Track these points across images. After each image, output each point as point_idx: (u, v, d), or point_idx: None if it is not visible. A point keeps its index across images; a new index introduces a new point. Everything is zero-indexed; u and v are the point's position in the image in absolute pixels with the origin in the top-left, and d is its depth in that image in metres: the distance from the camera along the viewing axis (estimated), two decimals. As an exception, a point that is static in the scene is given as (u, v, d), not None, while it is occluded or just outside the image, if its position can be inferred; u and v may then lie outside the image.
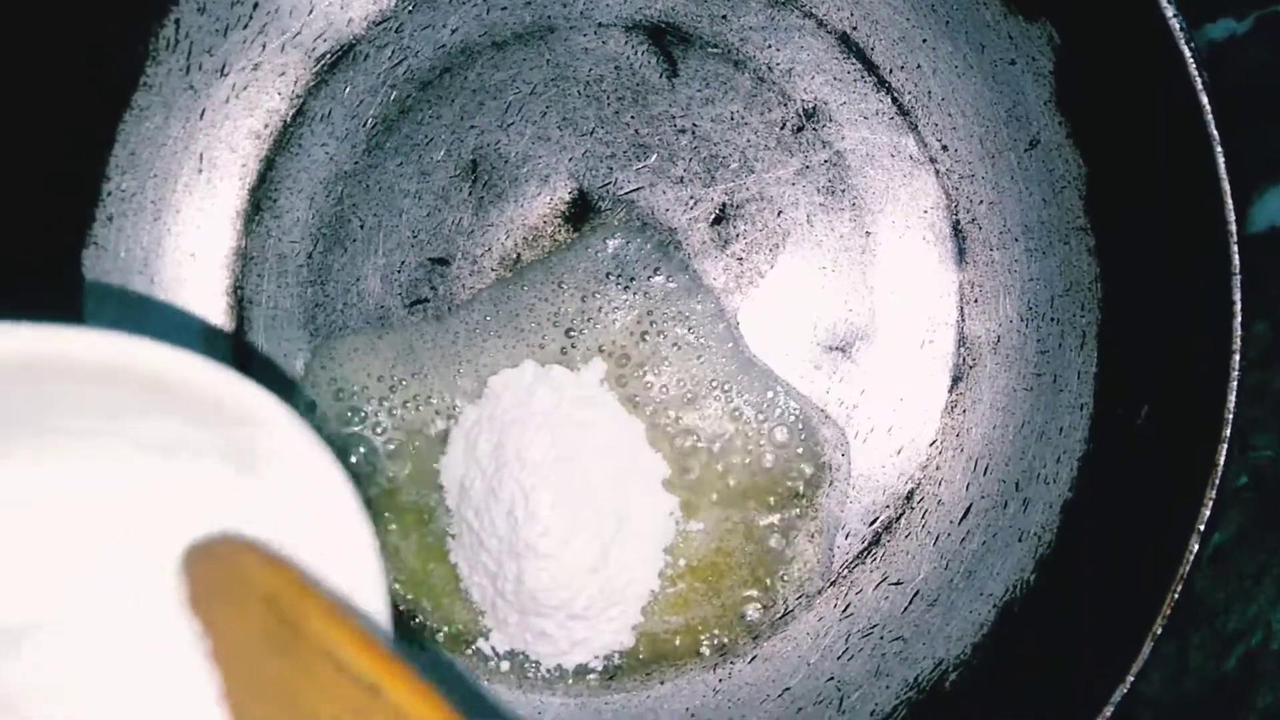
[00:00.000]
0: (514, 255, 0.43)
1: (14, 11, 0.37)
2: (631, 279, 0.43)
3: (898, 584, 0.43)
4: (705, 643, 0.43)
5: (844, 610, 0.43)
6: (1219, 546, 0.50)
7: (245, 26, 0.42)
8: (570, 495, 0.41)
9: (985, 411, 0.43)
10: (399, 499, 0.43)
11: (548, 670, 0.43)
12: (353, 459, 0.43)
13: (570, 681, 0.43)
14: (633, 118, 0.43)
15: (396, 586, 0.43)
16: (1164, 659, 0.48)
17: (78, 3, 0.38)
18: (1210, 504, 0.35)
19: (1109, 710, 0.35)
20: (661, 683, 0.43)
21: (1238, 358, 0.35)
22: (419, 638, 0.43)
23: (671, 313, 0.43)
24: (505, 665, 0.43)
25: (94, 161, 0.41)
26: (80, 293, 0.42)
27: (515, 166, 0.43)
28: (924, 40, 0.42)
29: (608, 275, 0.43)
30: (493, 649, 0.43)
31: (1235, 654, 0.50)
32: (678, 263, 0.43)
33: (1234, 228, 0.34)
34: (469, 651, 0.43)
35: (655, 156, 0.43)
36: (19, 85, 0.38)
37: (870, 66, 0.43)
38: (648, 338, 0.43)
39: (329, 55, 0.43)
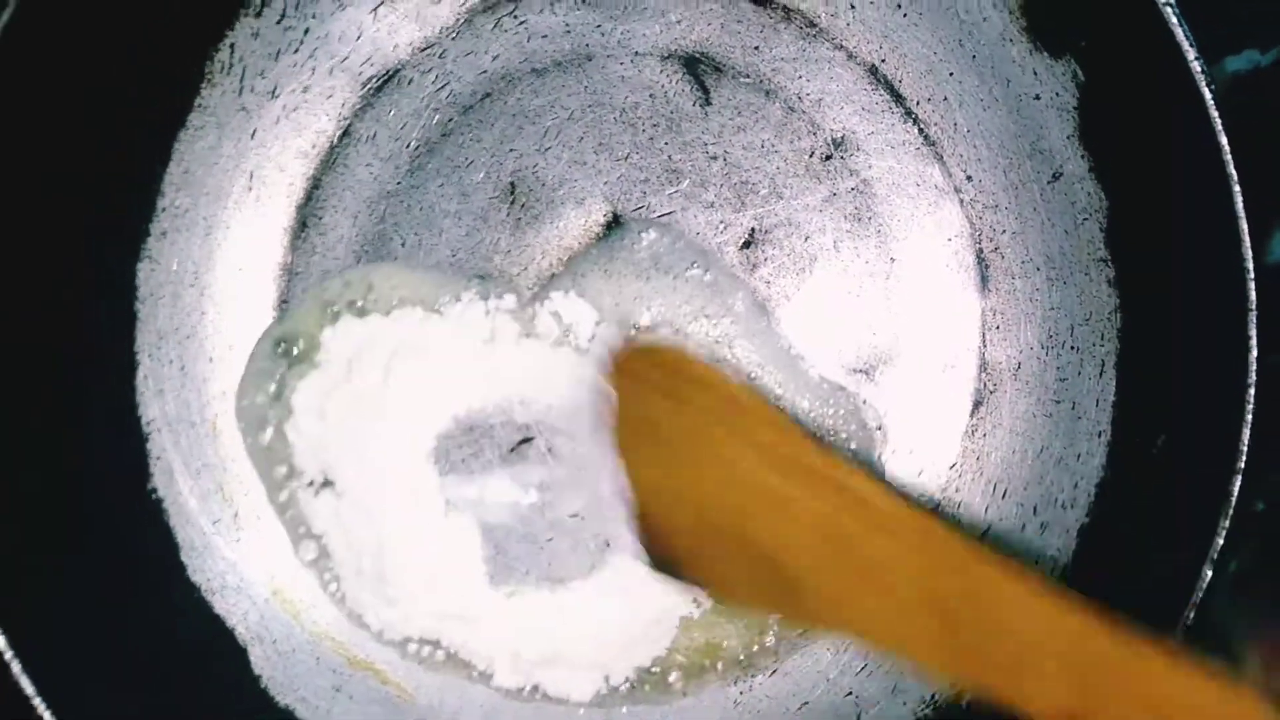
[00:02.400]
0: (549, 275, 0.44)
1: (79, 35, 0.38)
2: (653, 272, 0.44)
3: (916, 602, 0.44)
4: (727, 658, 0.44)
5: (863, 627, 0.44)
6: (1236, 574, 0.50)
7: (296, 51, 0.44)
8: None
9: (1005, 436, 0.44)
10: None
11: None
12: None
13: (593, 694, 0.44)
14: (666, 144, 0.44)
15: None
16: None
17: (138, 27, 0.40)
18: (1224, 532, 0.36)
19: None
20: (684, 695, 0.44)
21: (1253, 390, 0.36)
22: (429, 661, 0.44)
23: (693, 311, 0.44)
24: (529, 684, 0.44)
25: (149, 179, 0.43)
26: (133, 303, 0.43)
27: (552, 189, 0.44)
28: (951, 74, 0.43)
29: (638, 273, 0.44)
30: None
31: (1252, 680, 0.50)
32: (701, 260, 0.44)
33: (1250, 265, 0.35)
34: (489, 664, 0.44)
35: (687, 182, 0.44)
36: (82, 105, 0.40)
37: (898, 98, 0.44)
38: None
39: (375, 79, 0.45)
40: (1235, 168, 0.36)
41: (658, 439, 0.40)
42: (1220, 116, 0.36)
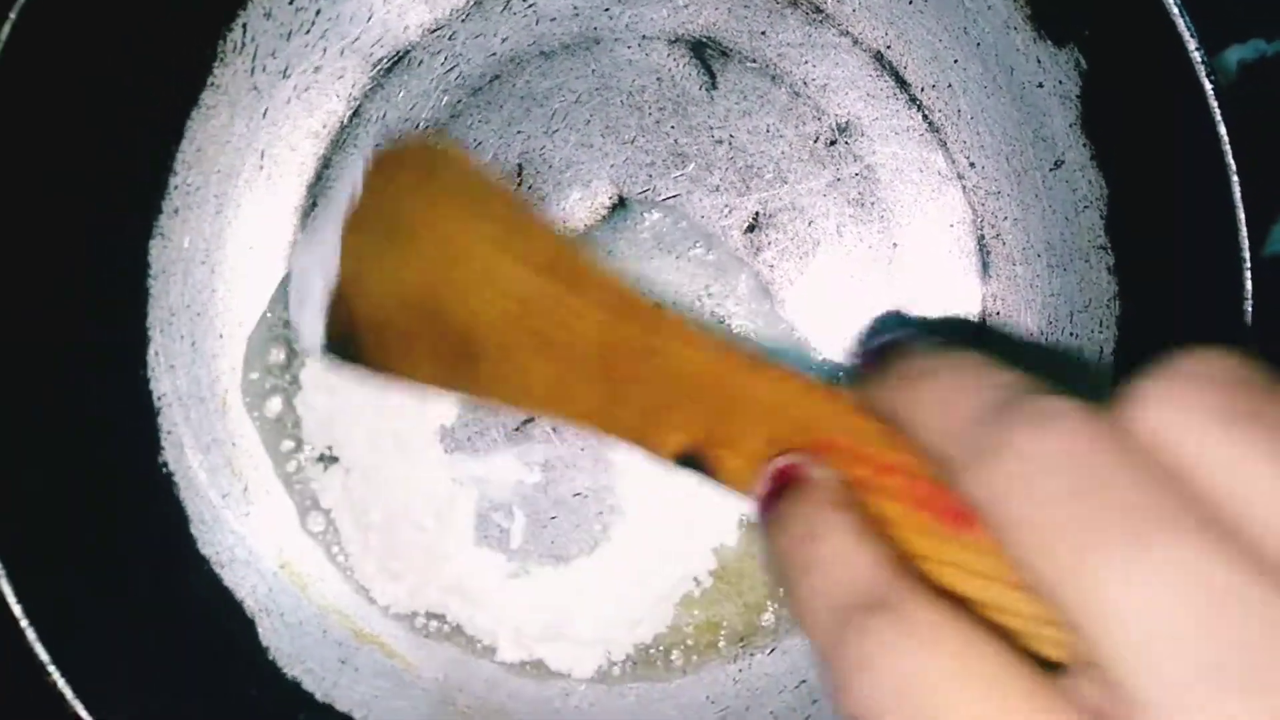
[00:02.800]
0: (555, 256, 0.45)
1: (96, 13, 0.39)
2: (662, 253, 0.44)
3: (913, 583, 0.45)
4: (726, 637, 0.45)
5: (861, 607, 0.45)
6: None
7: (308, 32, 0.44)
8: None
9: (1003, 420, 0.44)
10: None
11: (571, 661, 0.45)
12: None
13: (595, 670, 0.45)
14: (672, 127, 0.45)
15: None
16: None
17: (154, 6, 0.40)
18: (1216, 517, 0.36)
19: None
20: (684, 673, 0.45)
21: (1247, 377, 0.36)
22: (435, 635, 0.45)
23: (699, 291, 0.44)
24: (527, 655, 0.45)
25: (162, 157, 0.43)
26: (146, 279, 0.44)
27: (559, 171, 0.45)
28: (955, 61, 0.44)
29: (641, 254, 0.44)
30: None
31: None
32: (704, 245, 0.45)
33: (1248, 255, 0.36)
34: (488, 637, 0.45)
35: (693, 165, 0.45)
36: (99, 83, 0.40)
37: (902, 84, 0.45)
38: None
39: (385, 60, 0.45)
40: (1239, 158, 0.36)
41: (382, 229, 0.37)
42: (1226, 106, 0.36)
